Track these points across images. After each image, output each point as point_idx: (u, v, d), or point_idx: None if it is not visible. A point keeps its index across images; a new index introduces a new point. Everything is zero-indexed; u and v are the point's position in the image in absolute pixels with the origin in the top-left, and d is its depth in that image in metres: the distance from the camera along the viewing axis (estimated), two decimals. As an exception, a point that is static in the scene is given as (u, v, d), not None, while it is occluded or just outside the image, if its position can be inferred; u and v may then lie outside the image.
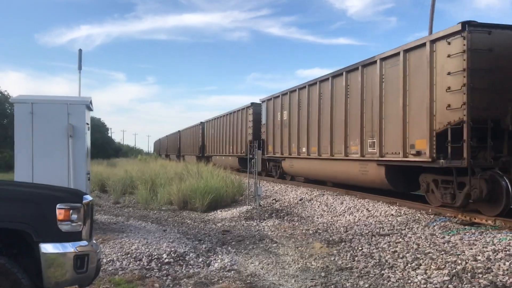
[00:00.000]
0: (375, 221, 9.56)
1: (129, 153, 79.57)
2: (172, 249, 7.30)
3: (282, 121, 17.92)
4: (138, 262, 6.69)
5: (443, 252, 6.56)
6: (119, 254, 6.99)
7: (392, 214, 9.90)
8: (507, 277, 5.37)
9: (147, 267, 6.51)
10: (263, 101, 20.54)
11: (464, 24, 8.49)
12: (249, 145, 20.81)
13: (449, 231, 7.92)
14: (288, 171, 18.10)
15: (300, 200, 13.52)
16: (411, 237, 7.80)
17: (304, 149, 15.83)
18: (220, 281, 5.92)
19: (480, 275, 5.51)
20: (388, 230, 8.58)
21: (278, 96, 18.46)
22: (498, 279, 5.35)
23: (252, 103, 22.36)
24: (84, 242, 3.78)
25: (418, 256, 6.55)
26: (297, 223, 10.48)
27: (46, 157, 8.30)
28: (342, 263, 6.72)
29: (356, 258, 6.88)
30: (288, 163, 17.59)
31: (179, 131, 48.71)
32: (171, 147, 56.18)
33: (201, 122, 36.59)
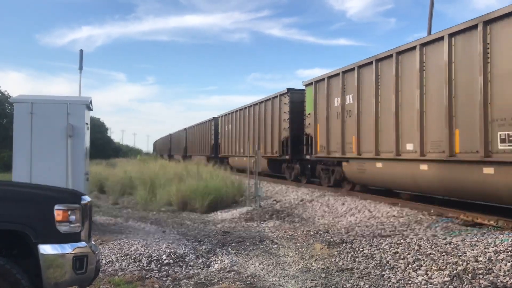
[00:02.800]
0: (376, 222, 9.52)
1: (128, 153, 79.52)
2: (172, 250, 7.26)
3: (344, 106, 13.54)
4: (137, 263, 6.65)
5: (444, 253, 6.53)
6: (118, 255, 6.96)
7: (394, 215, 9.87)
8: (507, 278, 5.34)
9: (147, 268, 6.47)
10: (308, 84, 16.13)
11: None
12: (285, 143, 17.95)
13: (451, 232, 7.89)
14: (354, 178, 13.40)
15: (301, 201, 13.49)
16: (412, 238, 7.76)
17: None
18: (220, 282, 5.89)
19: (481, 276, 5.49)
20: (390, 231, 8.54)
21: (338, 74, 13.74)
22: (499, 280, 5.32)
23: (289, 89, 18.14)
24: (83, 243, 3.75)
25: (419, 257, 6.52)
26: (298, 224, 10.44)
27: (45, 157, 8.23)
28: (343, 264, 6.68)
29: (357, 259, 6.84)
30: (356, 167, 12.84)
31: (185, 128, 43.89)
32: (175, 147, 50.92)
33: (213, 118, 31.87)
